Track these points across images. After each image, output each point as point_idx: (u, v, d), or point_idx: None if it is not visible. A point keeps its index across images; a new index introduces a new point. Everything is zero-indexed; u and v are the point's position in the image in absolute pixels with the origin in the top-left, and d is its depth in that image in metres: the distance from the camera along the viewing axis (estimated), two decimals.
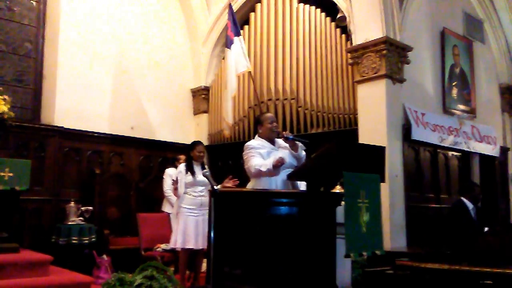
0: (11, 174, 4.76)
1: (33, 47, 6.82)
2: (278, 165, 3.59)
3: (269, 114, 4.09)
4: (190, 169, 5.20)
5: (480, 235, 5.29)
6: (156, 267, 3.91)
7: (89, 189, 6.63)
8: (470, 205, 5.67)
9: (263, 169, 3.64)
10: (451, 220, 5.64)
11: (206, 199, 5.18)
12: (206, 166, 5.47)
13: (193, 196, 5.15)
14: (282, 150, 3.89)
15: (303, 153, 3.91)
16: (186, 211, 5.10)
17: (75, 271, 5.00)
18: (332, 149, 3.12)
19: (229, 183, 4.83)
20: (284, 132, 3.92)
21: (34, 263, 4.65)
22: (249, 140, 4.03)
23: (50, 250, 5.30)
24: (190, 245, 5.04)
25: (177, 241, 5.07)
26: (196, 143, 5.43)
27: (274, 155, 3.80)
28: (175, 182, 5.05)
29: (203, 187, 5.19)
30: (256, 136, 4.02)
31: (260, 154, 3.79)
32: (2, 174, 4.71)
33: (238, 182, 4.78)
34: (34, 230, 6.10)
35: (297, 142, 3.85)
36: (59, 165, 6.48)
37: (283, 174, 3.73)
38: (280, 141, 3.96)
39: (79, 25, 6.91)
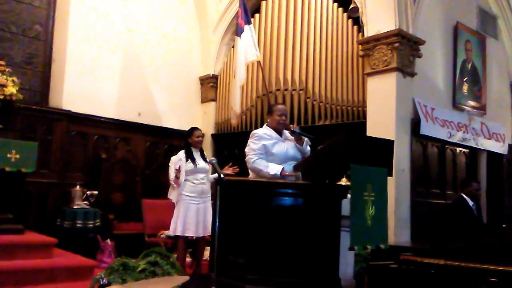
0: (17, 156, 4.77)
1: (43, 30, 6.79)
2: (288, 176, 3.61)
3: (281, 106, 4.08)
4: (190, 156, 5.15)
5: (481, 231, 5.26)
6: (160, 253, 3.91)
7: (95, 173, 6.65)
8: (470, 202, 5.63)
9: (271, 172, 3.64)
10: (451, 217, 5.61)
11: (206, 186, 5.17)
12: (205, 153, 5.42)
13: (194, 183, 5.10)
14: (288, 142, 3.91)
15: (308, 148, 3.94)
16: (188, 198, 5.06)
17: (79, 254, 5.03)
18: (341, 141, 3.10)
19: (228, 171, 4.84)
20: (292, 126, 3.94)
21: (38, 245, 4.67)
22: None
23: (54, 233, 5.32)
24: (190, 233, 5.02)
25: (177, 229, 5.02)
26: (194, 129, 5.36)
27: (280, 146, 3.84)
28: (178, 171, 5.00)
29: (204, 175, 5.16)
30: (265, 124, 4.03)
31: (264, 146, 3.80)
32: (8, 155, 4.72)
33: (238, 170, 4.78)
34: (39, 213, 6.14)
35: (303, 136, 3.86)
36: (66, 149, 6.50)
37: (288, 166, 3.75)
38: (287, 133, 3.98)
39: (89, 10, 6.88)
